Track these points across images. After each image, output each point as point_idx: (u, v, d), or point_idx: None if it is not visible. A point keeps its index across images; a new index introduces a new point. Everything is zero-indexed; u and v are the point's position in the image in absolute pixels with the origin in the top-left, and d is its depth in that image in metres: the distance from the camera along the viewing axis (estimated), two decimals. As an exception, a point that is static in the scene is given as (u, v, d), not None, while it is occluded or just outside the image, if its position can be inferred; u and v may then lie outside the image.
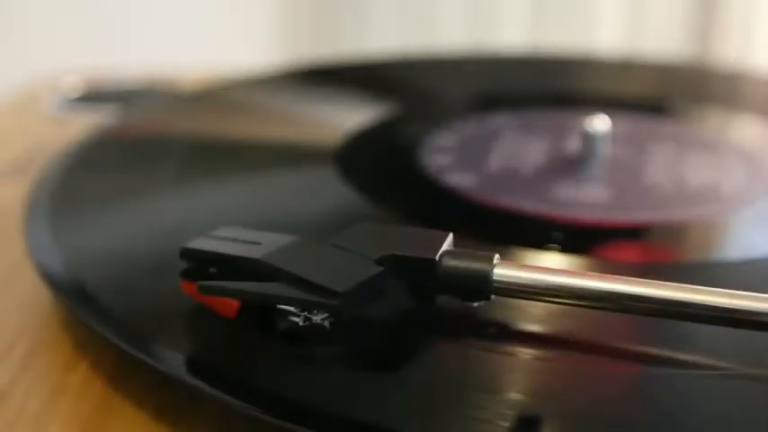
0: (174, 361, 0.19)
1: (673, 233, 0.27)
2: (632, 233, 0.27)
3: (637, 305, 0.19)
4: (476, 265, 0.19)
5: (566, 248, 0.25)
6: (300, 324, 0.19)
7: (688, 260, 0.26)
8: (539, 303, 0.20)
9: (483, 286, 0.19)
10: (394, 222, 0.26)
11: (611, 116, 0.32)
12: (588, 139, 0.31)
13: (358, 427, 0.17)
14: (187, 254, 0.21)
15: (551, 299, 0.19)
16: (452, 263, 0.19)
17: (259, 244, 0.20)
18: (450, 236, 0.20)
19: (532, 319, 0.21)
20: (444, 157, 0.32)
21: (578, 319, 0.20)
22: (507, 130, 0.35)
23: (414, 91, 0.42)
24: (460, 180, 0.30)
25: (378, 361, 0.19)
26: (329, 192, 0.29)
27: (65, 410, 0.20)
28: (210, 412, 0.19)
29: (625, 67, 0.48)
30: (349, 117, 0.36)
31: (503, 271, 0.19)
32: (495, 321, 0.20)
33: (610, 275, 0.19)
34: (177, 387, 0.19)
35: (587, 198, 0.28)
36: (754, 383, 0.18)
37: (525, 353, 0.19)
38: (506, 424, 0.17)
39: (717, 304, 0.18)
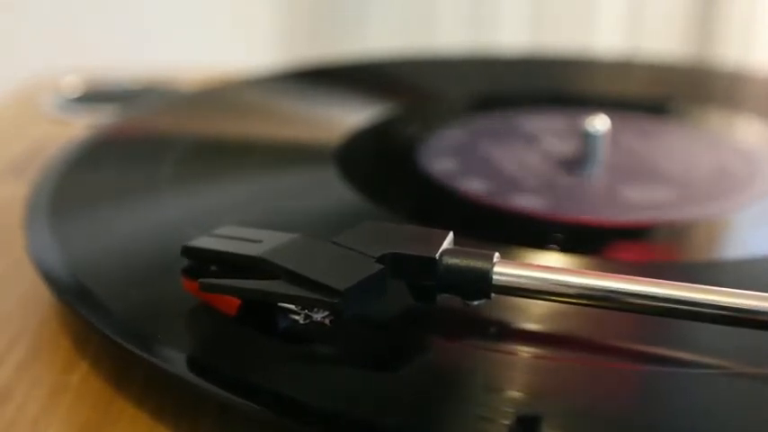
0: (174, 359, 0.19)
1: (673, 232, 0.27)
2: (633, 233, 0.27)
3: (637, 304, 0.19)
4: (476, 264, 0.19)
5: (566, 248, 0.25)
6: (301, 322, 0.19)
7: (689, 259, 0.26)
8: (539, 302, 0.20)
9: (483, 285, 0.19)
10: (394, 221, 0.26)
11: (611, 116, 0.32)
12: (588, 139, 0.31)
13: (358, 426, 0.17)
14: (188, 252, 0.21)
15: (551, 297, 0.19)
16: (452, 261, 0.19)
17: (260, 242, 0.20)
18: (451, 234, 0.20)
19: (532, 317, 0.21)
20: (444, 156, 0.32)
21: (578, 317, 0.20)
22: (507, 130, 0.35)
23: (414, 91, 0.42)
24: (460, 179, 0.30)
25: (378, 359, 0.19)
26: (329, 191, 0.29)
27: (65, 410, 0.20)
28: (211, 410, 0.19)
29: (625, 67, 0.48)
30: (349, 117, 0.36)
31: (503, 269, 0.19)
32: (495, 320, 0.20)
33: (610, 274, 0.19)
34: (178, 385, 0.19)
35: (586, 198, 0.28)
36: (756, 382, 0.18)
37: (525, 351, 0.19)
38: (507, 422, 0.17)
39: (717, 303, 0.18)
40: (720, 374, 0.18)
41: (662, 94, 0.42)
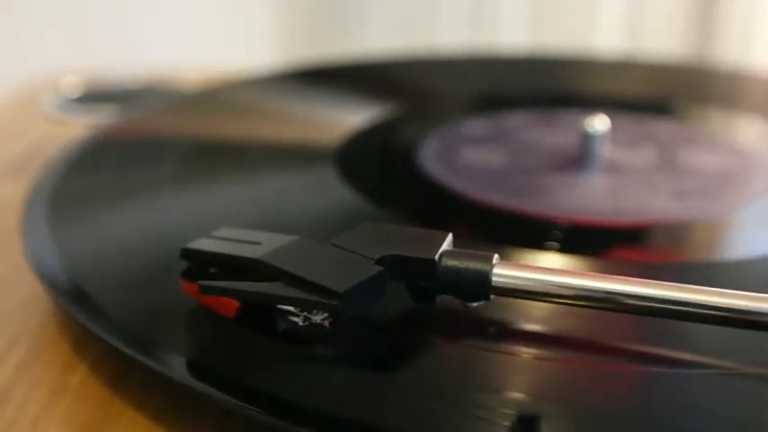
0: (173, 362, 0.19)
1: (672, 233, 0.27)
2: (632, 233, 0.27)
3: (636, 305, 0.19)
4: (475, 265, 0.19)
5: (565, 249, 0.25)
6: (300, 324, 0.19)
7: (688, 260, 0.26)
8: (538, 303, 0.20)
9: (482, 286, 0.19)
10: (393, 222, 0.26)
11: (611, 116, 0.32)
12: (588, 138, 0.31)
13: (358, 427, 0.17)
14: (187, 254, 0.21)
15: (550, 299, 0.19)
16: (452, 263, 0.19)
17: (259, 244, 0.20)
18: (450, 236, 0.20)
19: (532, 318, 0.21)
20: (443, 157, 0.32)
21: (578, 318, 0.20)
22: (507, 130, 0.35)
23: (414, 91, 0.42)
24: (460, 180, 0.30)
25: (377, 361, 0.19)
26: (329, 192, 0.29)
27: (64, 411, 0.20)
28: (210, 413, 0.19)
29: (625, 67, 0.48)
30: (349, 117, 0.36)
31: (502, 271, 0.19)
32: (494, 321, 0.20)
33: (609, 275, 0.19)
34: (177, 388, 0.19)
35: (586, 198, 0.28)
36: (755, 382, 0.18)
37: (525, 352, 0.19)
38: (506, 423, 0.17)
39: (717, 304, 0.18)
40: (720, 374, 0.18)
41: (662, 94, 0.42)
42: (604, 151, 0.31)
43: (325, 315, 0.19)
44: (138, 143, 0.34)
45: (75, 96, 0.44)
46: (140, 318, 0.21)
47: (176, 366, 0.19)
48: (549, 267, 0.19)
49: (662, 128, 0.36)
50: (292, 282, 0.19)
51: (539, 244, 0.25)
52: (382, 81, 0.43)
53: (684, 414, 0.17)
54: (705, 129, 0.37)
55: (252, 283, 0.19)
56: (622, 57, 0.51)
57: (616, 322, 0.20)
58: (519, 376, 0.19)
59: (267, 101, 0.40)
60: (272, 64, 0.46)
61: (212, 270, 0.20)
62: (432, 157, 0.32)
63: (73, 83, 0.46)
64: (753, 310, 0.18)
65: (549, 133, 0.35)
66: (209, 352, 0.20)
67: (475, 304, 0.20)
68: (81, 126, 0.38)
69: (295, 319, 0.19)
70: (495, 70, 0.46)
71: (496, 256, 0.19)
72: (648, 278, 0.19)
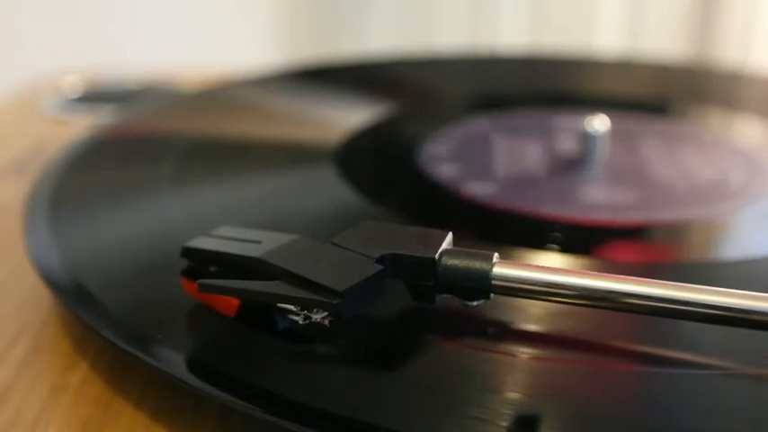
0: (173, 360, 0.19)
1: (672, 233, 0.27)
2: (632, 233, 0.27)
3: (636, 304, 0.19)
4: (475, 264, 0.19)
5: (566, 248, 0.25)
6: (300, 323, 0.19)
7: (688, 260, 0.26)
8: (538, 302, 0.20)
9: (482, 285, 0.19)
10: (393, 222, 0.26)
11: (610, 116, 0.32)
12: (588, 139, 0.31)
13: (358, 427, 0.17)
14: (188, 253, 0.21)
15: (550, 298, 0.19)
16: (452, 262, 0.19)
17: (259, 243, 0.20)
18: (450, 235, 0.20)
19: (532, 318, 0.21)
20: (443, 156, 0.32)
21: (578, 318, 0.20)
22: (507, 130, 0.35)
23: (414, 91, 0.42)
24: (459, 179, 0.30)
25: (377, 360, 0.19)
26: (329, 191, 0.29)
27: (65, 410, 0.20)
28: (210, 411, 0.19)
29: (625, 67, 0.48)
30: (349, 117, 0.36)
31: (502, 270, 0.19)
32: (494, 320, 0.20)
33: (609, 274, 0.19)
34: (177, 386, 0.19)
35: (586, 198, 0.29)
36: (755, 382, 0.18)
37: (524, 352, 0.19)
38: (505, 423, 0.17)
39: (717, 303, 0.18)
40: (720, 374, 0.18)
41: (662, 94, 0.42)
42: (604, 151, 0.31)
43: (326, 314, 0.19)
44: (138, 143, 0.34)
45: (75, 96, 0.44)
46: (141, 316, 0.21)
47: (176, 364, 0.19)
48: (549, 266, 0.19)
49: (662, 128, 0.36)
50: (292, 281, 0.19)
51: (538, 244, 0.25)
52: (382, 81, 0.43)
53: (684, 414, 0.17)
54: (705, 129, 0.37)
55: (252, 282, 0.19)
56: (622, 57, 0.51)
57: (616, 322, 0.20)
58: (519, 376, 0.19)
59: (267, 101, 0.40)
60: (272, 64, 0.47)
61: (212, 269, 0.20)
62: (431, 157, 0.32)
63: (73, 83, 0.46)
64: (752, 309, 0.18)
65: (548, 133, 0.35)
66: (209, 350, 0.20)
67: (475, 303, 0.20)
68: (81, 126, 0.38)
69: (295, 317, 0.19)
70: (495, 70, 0.46)
71: (496, 254, 0.19)
72: (648, 278, 0.19)
